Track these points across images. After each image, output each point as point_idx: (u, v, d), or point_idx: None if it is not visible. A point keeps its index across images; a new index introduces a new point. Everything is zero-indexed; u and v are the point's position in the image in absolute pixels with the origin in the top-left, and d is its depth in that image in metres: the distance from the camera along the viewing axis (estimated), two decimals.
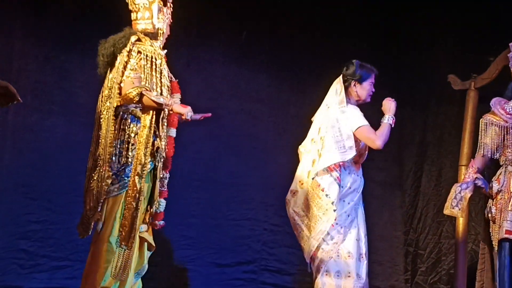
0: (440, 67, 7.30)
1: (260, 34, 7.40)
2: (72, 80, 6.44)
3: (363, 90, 5.49)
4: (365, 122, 5.38)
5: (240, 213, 7.18)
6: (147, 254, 4.89)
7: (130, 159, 4.63)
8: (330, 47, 7.45)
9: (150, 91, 4.57)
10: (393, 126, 5.38)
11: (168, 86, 4.79)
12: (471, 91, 6.58)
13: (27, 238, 6.17)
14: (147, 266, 4.94)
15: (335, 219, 5.28)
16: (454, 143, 7.12)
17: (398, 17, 7.81)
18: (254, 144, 7.31)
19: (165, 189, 4.85)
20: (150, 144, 4.63)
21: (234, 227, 7.13)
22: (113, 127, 4.66)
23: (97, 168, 4.66)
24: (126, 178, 4.63)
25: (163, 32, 4.84)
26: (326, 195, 5.30)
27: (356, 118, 5.39)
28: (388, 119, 5.36)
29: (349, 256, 5.35)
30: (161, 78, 4.73)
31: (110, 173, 4.59)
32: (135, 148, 4.63)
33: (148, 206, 4.77)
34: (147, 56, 4.69)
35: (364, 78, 5.48)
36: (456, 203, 5.31)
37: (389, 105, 5.39)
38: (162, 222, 4.87)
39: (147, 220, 4.78)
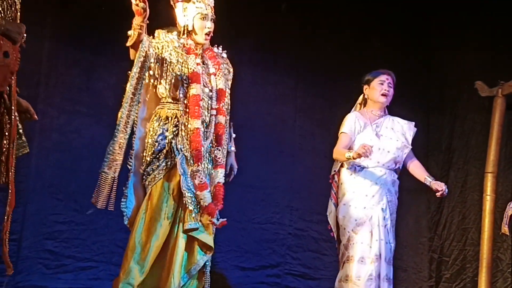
0: (468, 74, 7.27)
1: (288, 38, 7.40)
2: (100, 81, 6.48)
3: (372, 90, 5.61)
4: (346, 130, 5.54)
5: (265, 216, 7.18)
6: (200, 256, 4.76)
7: (149, 158, 4.74)
8: (358, 52, 7.45)
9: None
10: (349, 160, 5.37)
11: (184, 79, 4.74)
12: (498, 98, 6.53)
13: (53, 239, 6.20)
14: (200, 265, 4.79)
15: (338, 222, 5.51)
16: (480, 150, 7.09)
17: (426, 23, 7.79)
18: (281, 148, 7.31)
19: (203, 182, 4.71)
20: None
21: (259, 230, 7.13)
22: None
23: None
24: (147, 176, 4.70)
25: (187, 28, 4.82)
26: (330, 199, 5.61)
27: (344, 124, 5.59)
28: (348, 155, 5.31)
29: (348, 259, 5.39)
30: (173, 70, 4.72)
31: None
32: (153, 146, 4.72)
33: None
34: (157, 48, 4.70)
35: (371, 79, 5.60)
36: (505, 221, 5.35)
37: (361, 149, 5.23)
38: (221, 220, 4.76)
39: (194, 217, 4.71)
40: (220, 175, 4.85)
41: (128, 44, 4.55)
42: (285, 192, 7.26)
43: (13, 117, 3.39)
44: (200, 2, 4.82)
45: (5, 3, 3.32)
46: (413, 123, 5.78)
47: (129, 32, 4.52)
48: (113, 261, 6.33)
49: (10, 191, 3.47)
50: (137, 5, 4.38)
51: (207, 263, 4.85)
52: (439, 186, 5.46)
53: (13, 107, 3.40)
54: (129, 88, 4.60)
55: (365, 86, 5.66)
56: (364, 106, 5.74)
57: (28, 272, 6.03)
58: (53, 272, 6.17)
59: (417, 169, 5.71)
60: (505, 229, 5.38)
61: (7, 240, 3.52)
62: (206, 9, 4.83)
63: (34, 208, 6.08)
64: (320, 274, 7.22)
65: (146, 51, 4.59)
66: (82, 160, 6.31)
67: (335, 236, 5.65)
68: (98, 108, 6.43)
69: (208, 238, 4.75)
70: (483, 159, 6.75)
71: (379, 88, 5.58)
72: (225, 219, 4.75)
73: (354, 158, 5.24)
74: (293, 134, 7.41)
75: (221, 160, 4.88)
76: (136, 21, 4.45)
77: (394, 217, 5.61)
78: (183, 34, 4.83)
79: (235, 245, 7.01)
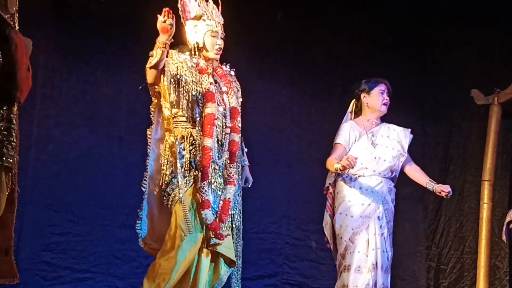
0: (463, 82, 7.28)
1: (284, 48, 7.41)
2: (95, 92, 6.48)
3: (373, 98, 5.61)
4: (340, 140, 5.57)
5: (262, 226, 7.17)
6: (225, 270, 4.81)
7: (168, 178, 4.69)
8: (354, 61, 7.46)
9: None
10: (337, 171, 5.36)
11: (199, 97, 4.74)
12: (494, 106, 6.56)
13: (50, 250, 6.19)
14: (224, 281, 4.86)
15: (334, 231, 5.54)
16: (477, 158, 7.10)
17: (421, 30, 7.80)
18: (277, 157, 7.31)
19: (232, 180, 4.81)
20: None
21: (256, 240, 7.11)
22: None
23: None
24: (168, 196, 4.69)
25: (198, 46, 4.82)
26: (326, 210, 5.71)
27: (339, 134, 5.62)
28: (336, 167, 5.29)
29: (345, 268, 5.41)
30: (189, 88, 4.71)
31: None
32: (171, 165, 4.69)
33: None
34: (170, 69, 4.70)
35: (371, 88, 5.62)
36: (504, 229, 5.37)
37: (345, 161, 5.22)
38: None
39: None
40: (230, 192, 4.83)
41: (151, 64, 4.52)
42: (282, 202, 7.25)
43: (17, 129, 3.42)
44: (210, 19, 4.83)
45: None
46: (409, 130, 5.78)
47: (152, 52, 4.50)
48: (110, 272, 6.33)
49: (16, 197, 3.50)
50: (164, 21, 4.38)
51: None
52: (445, 188, 5.46)
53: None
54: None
55: (364, 94, 5.65)
56: (357, 114, 5.74)
57: (25, 284, 6.01)
58: (50, 284, 6.16)
59: (417, 174, 5.72)
60: (504, 237, 5.40)
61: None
62: (216, 27, 4.85)
63: (31, 219, 6.06)
64: (318, 284, 7.21)
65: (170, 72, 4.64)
66: (78, 171, 6.32)
67: (332, 247, 5.66)
68: (94, 119, 6.44)
69: (230, 252, 4.80)
70: (479, 167, 6.77)
71: (380, 97, 5.59)
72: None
73: (340, 170, 5.25)
74: (289, 144, 7.41)
75: (234, 177, 4.86)
76: (161, 39, 4.44)
77: (391, 225, 5.62)
78: (194, 52, 4.83)
79: None
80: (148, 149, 4.78)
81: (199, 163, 4.64)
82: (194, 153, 4.67)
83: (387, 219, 5.55)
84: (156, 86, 4.70)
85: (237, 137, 4.91)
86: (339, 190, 5.57)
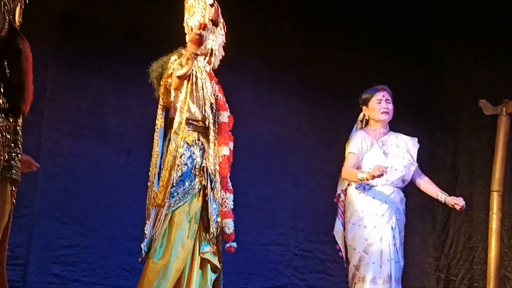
0: (471, 92, 7.28)
1: (290, 58, 7.43)
2: (103, 105, 6.50)
3: (372, 110, 5.60)
4: (353, 150, 5.53)
5: (270, 238, 7.17)
6: (211, 275, 4.77)
7: (175, 180, 4.63)
8: (359, 71, 7.47)
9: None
10: (362, 181, 5.35)
11: (212, 103, 4.77)
12: (502, 116, 6.54)
13: (59, 263, 6.19)
14: (210, 286, 4.81)
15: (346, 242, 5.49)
16: (485, 168, 7.08)
17: (427, 40, 7.81)
18: (284, 168, 7.31)
19: (229, 210, 4.77)
20: (176, 161, 4.62)
21: (264, 252, 7.11)
22: (157, 148, 4.67)
23: (148, 189, 4.69)
24: (171, 198, 4.62)
25: (214, 53, 4.84)
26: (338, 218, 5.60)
27: (351, 144, 5.58)
28: (361, 176, 5.31)
29: (360, 280, 5.39)
30: (203, 93, 4.72)
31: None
32: (180, 169, 4.63)
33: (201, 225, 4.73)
34: (199, 77, 4.70)
35: (368, 99, 5.61)
36: None
37: (376, 170, 5.23)
38: (234, 244, 4.79)
39: (209, 239, 4.70)
40: (230, 200, 4.85)
41: (181, 74, 4.47)
42: (290, 213, 7.25)
43: None
44: (222, 29, 4.88)
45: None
46: (416, 139, 5.77)
47: (180, 60, 4.48)
48: (120, 285, 6.33)
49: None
50: (200, 34, 4.36)
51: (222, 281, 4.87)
52: (458, 201, 5.44)
53: None
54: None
55: (364, 107, 5.64)
56: (366, 124, 5.74)
57: None
58: None
59: (428, 186, 5.69)
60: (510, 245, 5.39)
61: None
62: (225, 38, 4.89)
63: (40, 232, 6.08)
64: None
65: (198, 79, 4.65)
66: (87, 183, 6.33)
67: (344, 256, 5.63)
68: (102, 131, 6.46)
69: (215, 258, 4.77)
70: (488, 177, 6.74)
71: (378, 107, 5.57)
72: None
73: (367, 179, 5.24)
74: (296, 154, 7.42)
75: (230, 184, 4.88)
76: (193, 49, 4.41)
77: (402, 235, 5.59)
78: (210, 57, 4.83)
79: (240, 267, 6.99)
80: (157, 150, 4.71)
81: (213, 171, 4.66)
82: (203, 157, 4.67)
83: (399, 229, 5.52)
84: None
85: (231, 146, 4.93)
86: (350, 200, 5.52)
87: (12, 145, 3.32)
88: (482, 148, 7.38)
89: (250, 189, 7.15)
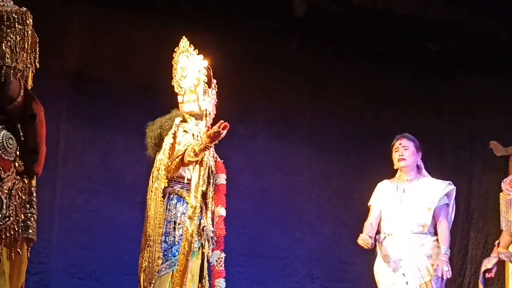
0: (482, 133, 7.30)
1: (301, 107, 7.48)
2: (117, 160, 6.56)
3: (393, 159, 5.64)
4: (372, 202, 5.63)
5: (286, 286, 7.14)
6: None
7: (177, 239, 4.65)
8: (372, 116, 7.51)
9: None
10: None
11: (211, 166, 4.84)
12: None
13: None
14: None
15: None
16: (499, 210, 7.06)
17: (439, 85, 7.85)
18: (298, 217, 7.32)
19: (222, 269, 4.85)
20: (197, 222, 4.65)
21: None
22: (161, 207, 4.69)
23: (148, 248, 4.70)
24: (173, 257, 4.64)
25: (209, 113, 4.89)
26: None
27: (372, 195, 5.67)
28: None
29: None
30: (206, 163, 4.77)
31: (161, 253, 4.62)
32: (181, 227, 4.66)
33: (199, 284, 4.77)
34: (193, 134, 4.76)
35: (391, 148, 5.67)
36: (480, 278, 5.38)
37: (360, 240, 5.33)
38: None
39: None
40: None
41: (190, 160, 4.55)
42: (305, 261, 7.23)
43: None
44: (213, 89, 4.97)
45: None
46: (447, 182, 5.72)
47: (193, 147, 4.53)
48: None
49: None
50: (218, 132, 4.43)
51: None
52: (438, 271, 5.41)
53: None
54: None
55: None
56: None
57: None
58: None
59: (439, 235, 5.66)
60: (481, 286, 5.39)
61: None
62: (216, 98, 4.99)
63: None
64: None
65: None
66: (101, 238, 6.35)
67: None
68: (115, 186, 6.49)
69: None
70: None
71: (395, 155, 5.62)
72: None
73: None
74: (310, 203, 7.42)
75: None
76: (208, 143, 4.49)
77: (428, 279, 5.50)
78: (205, 118, 4.88)
79: None
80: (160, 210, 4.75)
81: (207, 229, 4.73)
82: (201, 219, 4.71)
83: (417, 275, 5.46)
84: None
85: None
86: (376, 249, 5.58)
87: (28, 205, 3.37)
88: (494, 190, 7.36)
89: (265, 239, 7.15)
